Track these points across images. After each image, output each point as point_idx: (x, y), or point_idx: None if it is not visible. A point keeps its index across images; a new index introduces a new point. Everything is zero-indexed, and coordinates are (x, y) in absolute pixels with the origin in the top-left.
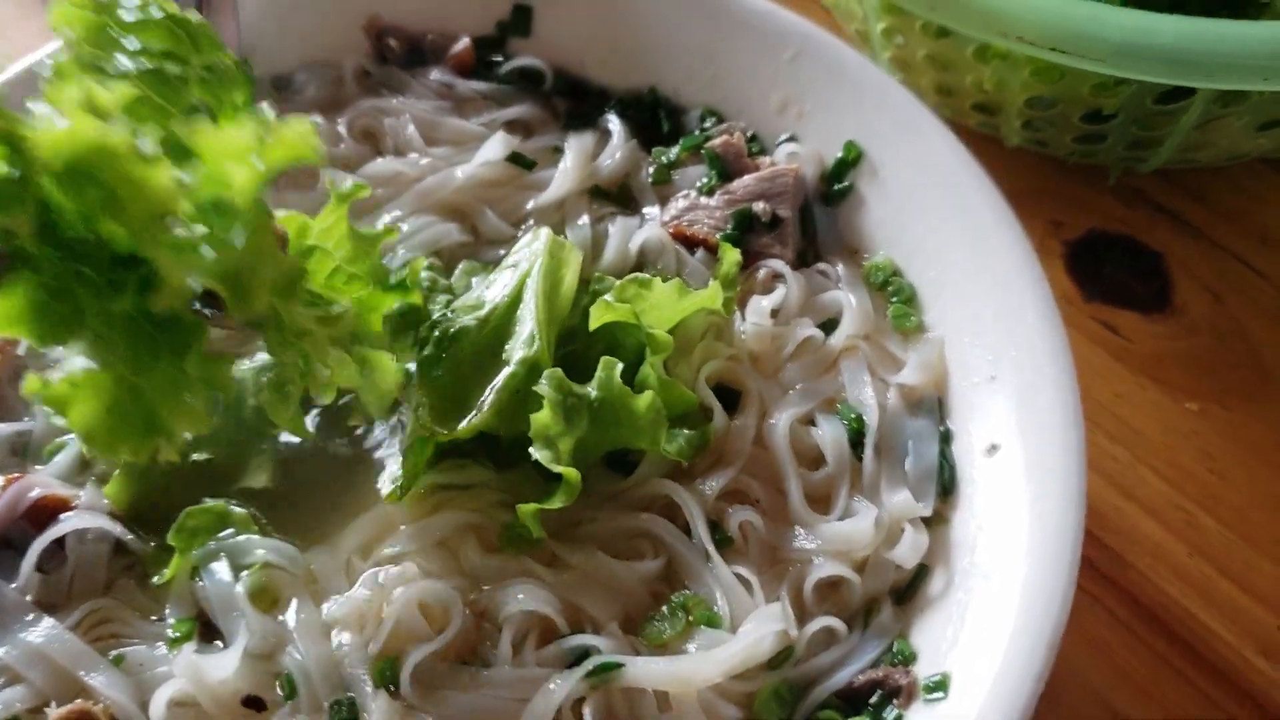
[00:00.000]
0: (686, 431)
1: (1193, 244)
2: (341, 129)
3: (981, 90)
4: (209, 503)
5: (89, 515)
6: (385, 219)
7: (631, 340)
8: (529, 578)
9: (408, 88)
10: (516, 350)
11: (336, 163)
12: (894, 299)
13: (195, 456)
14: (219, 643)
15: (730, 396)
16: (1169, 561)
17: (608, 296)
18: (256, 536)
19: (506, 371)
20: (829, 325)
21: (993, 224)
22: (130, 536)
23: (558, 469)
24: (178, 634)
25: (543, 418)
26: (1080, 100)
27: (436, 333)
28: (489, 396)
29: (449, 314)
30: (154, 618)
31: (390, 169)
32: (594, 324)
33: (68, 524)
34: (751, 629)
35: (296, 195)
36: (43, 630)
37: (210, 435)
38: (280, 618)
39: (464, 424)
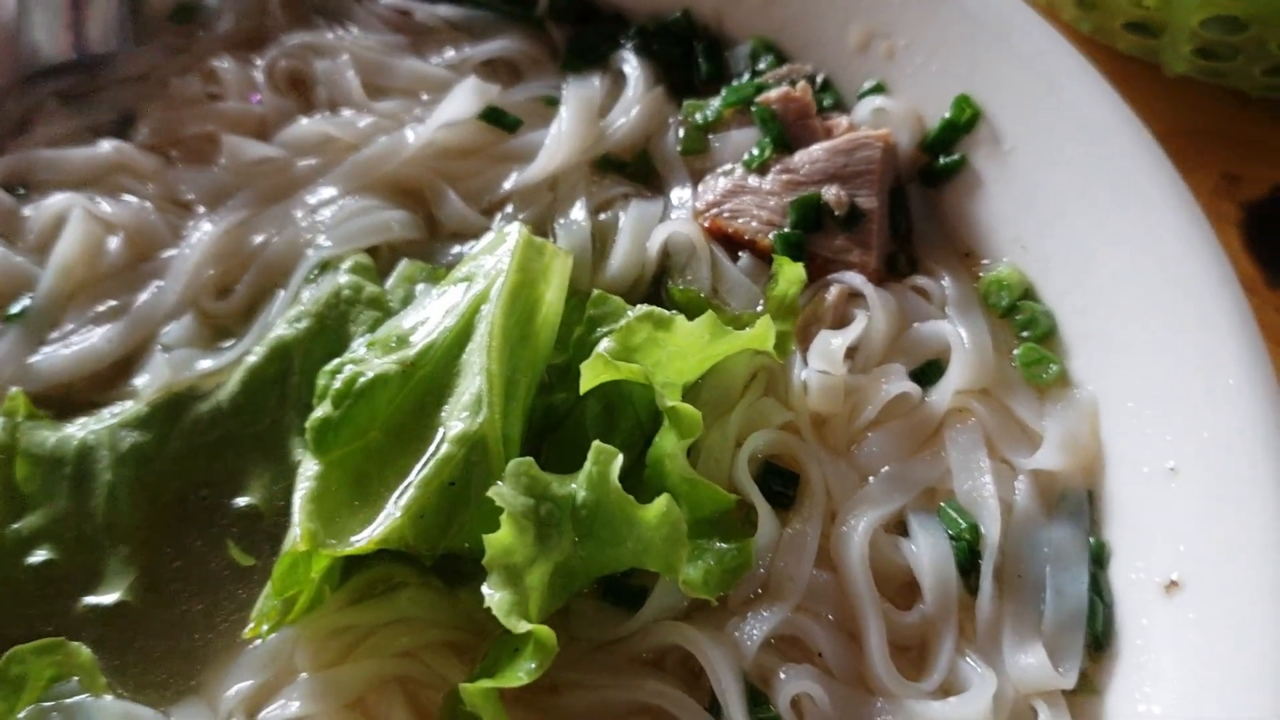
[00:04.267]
0: (718, 546)
1: None
2: (258, 75)
3: (1140, 6)
4: (41, 639)
5: None
6: (310, 201)
7: (640, 399)
8: None
9: (350, 16)
10: (454, 419)
11: (249, 123)
12: (1024, 334)
13: (33, 557)
14: None
15: (782, 482)
16: None
17: (605, 346)
18: (106, 698)
19: (436, 454)
20: (929, 372)
21: (1171, 233)
22: None
23: (522, 627)
24: None
25: (501, 539)
26: None
27: (339, 381)
28: (406, 492)
29: (364, 351)
30: None
31: (318, 131)
32: (585, 386)
33: None
34: None
35: (194, 172)
36: None
37: (51, 527)
38: None
39: (365, 534)
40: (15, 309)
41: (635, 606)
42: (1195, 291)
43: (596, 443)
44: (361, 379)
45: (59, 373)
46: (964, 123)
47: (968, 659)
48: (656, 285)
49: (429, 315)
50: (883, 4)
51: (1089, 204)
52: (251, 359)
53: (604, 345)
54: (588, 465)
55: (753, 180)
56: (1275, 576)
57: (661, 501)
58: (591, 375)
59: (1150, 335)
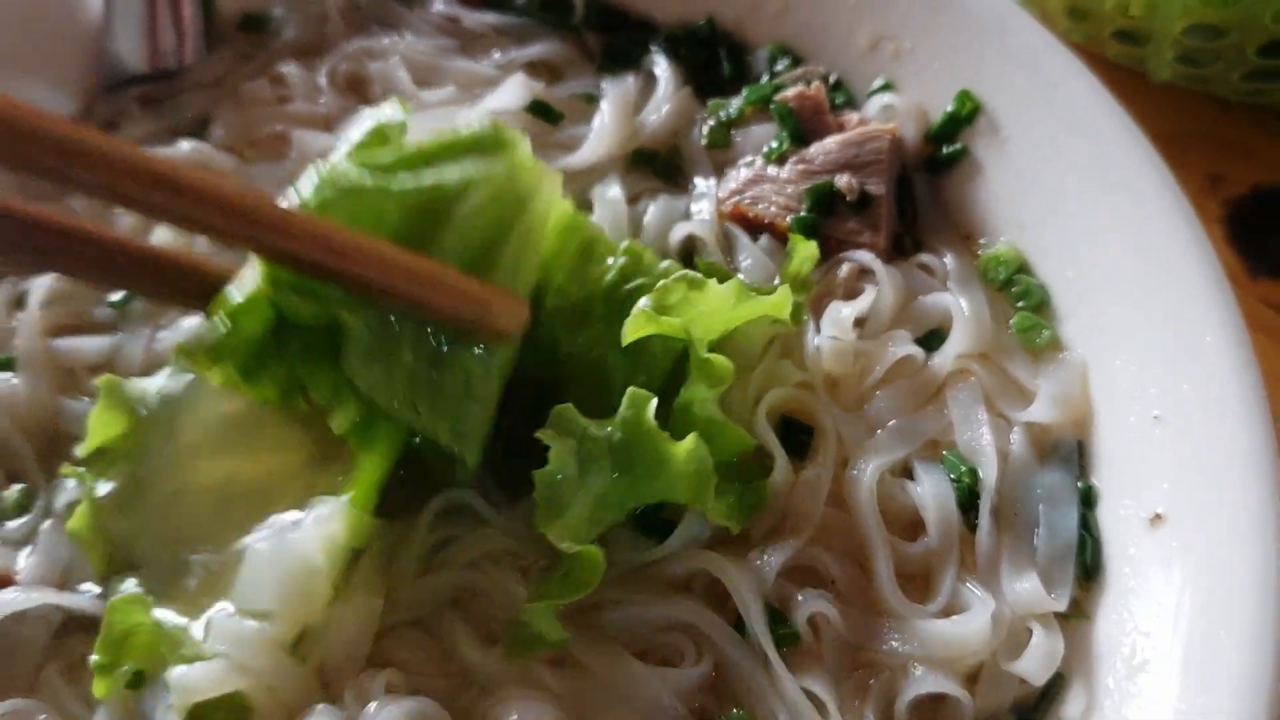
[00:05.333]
0: (739, 485)
1: None
2: (322, 80)
3: (1126, 16)
4: (131, 591)
5: (36, 593)
6: None
7: (661, 349)
8: (532, 689)
9: (403, 23)
10: None
11: (315, 122)
12: (1020, 304)
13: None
14: None
15: (799, 435)
16: None
17: (646, 303)
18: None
19: None
20: (932, 339)
21: (1156, 211)
22: (81, 609)
23: (572, 548)
24: None
25: (548, 473)
26: (1259, 29)
27: None
28: None
29: None
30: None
31: None
32: (630, 337)
33: (5, 606)
34: None
35: (267, 167)
36: None
37: None
38: None
39: None
40: (115, 297)
41: (665, 533)
42: (1176, 262)
43: (632, 389)
44: None
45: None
46: (965, 115)
47: (968, 585)
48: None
49: None
50: (890, 9)
51: (1080, 187)
52: None
53: (645, 302)
54: (623, 409)
55: (771, 170)
56: (1252, 506)
57: (691, 439)
58: (634, 329)
59: (1135, 303)
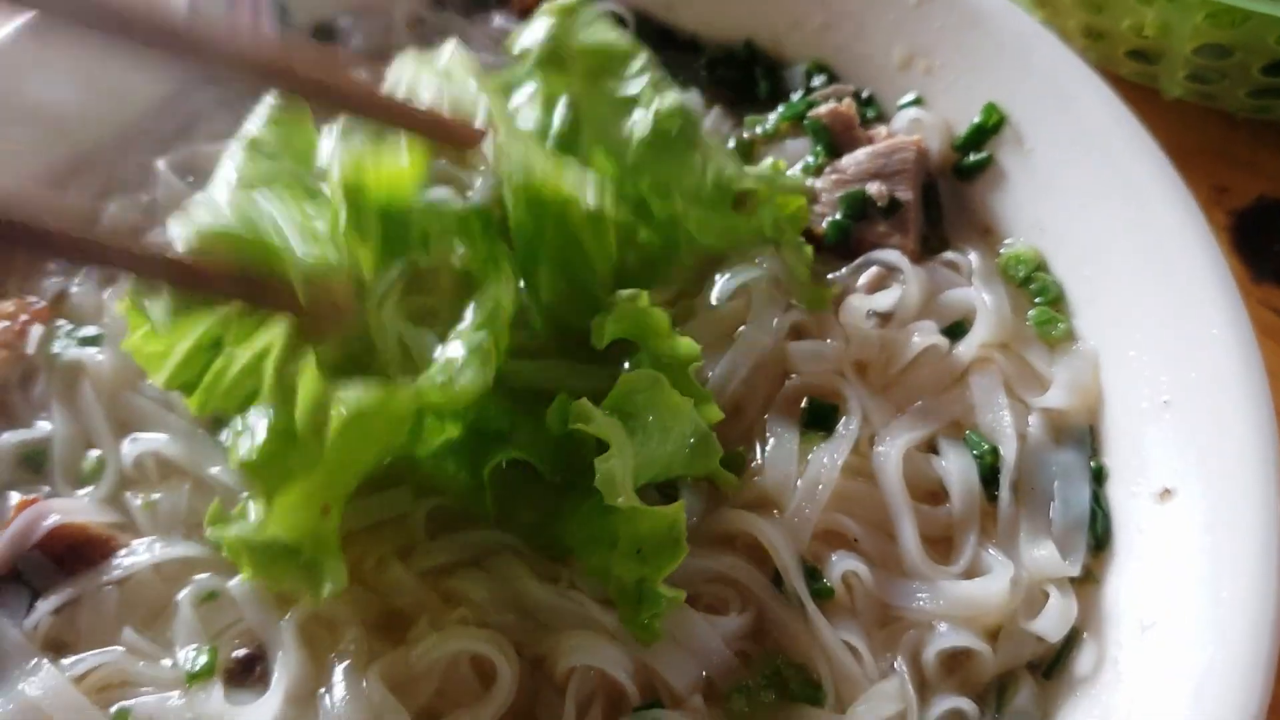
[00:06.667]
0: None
1: None
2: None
3: (1140, 36)
4: None
5: (144, 554)
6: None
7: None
8: (593, 629)
9: (464, 36)
10: None
11: None
12: (1038, 299)
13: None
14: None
15: (825, 412)
16: None
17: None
18: None
19: None
20: (957, 330)
21: (1167, 214)
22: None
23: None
24: (197, 669)
25: (604, 459)
26: (1263, 49)
27: None
28: None
29: None
30: (165, 661)
31: None
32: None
33: (122, 567)
34: (864, 711)
35: None
36: (42, 681)
37: None
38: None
39: None
40: None
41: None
42: (1184, 261)
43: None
44: None
45: None
46: (991, 126)
47: (989, 550)
48: None
49: None
50: (923, 29)
51: (1096, 193)
52: None
53: None
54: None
55: (808, 181)
56: (1254, 480)
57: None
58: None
59: (1145, 298)
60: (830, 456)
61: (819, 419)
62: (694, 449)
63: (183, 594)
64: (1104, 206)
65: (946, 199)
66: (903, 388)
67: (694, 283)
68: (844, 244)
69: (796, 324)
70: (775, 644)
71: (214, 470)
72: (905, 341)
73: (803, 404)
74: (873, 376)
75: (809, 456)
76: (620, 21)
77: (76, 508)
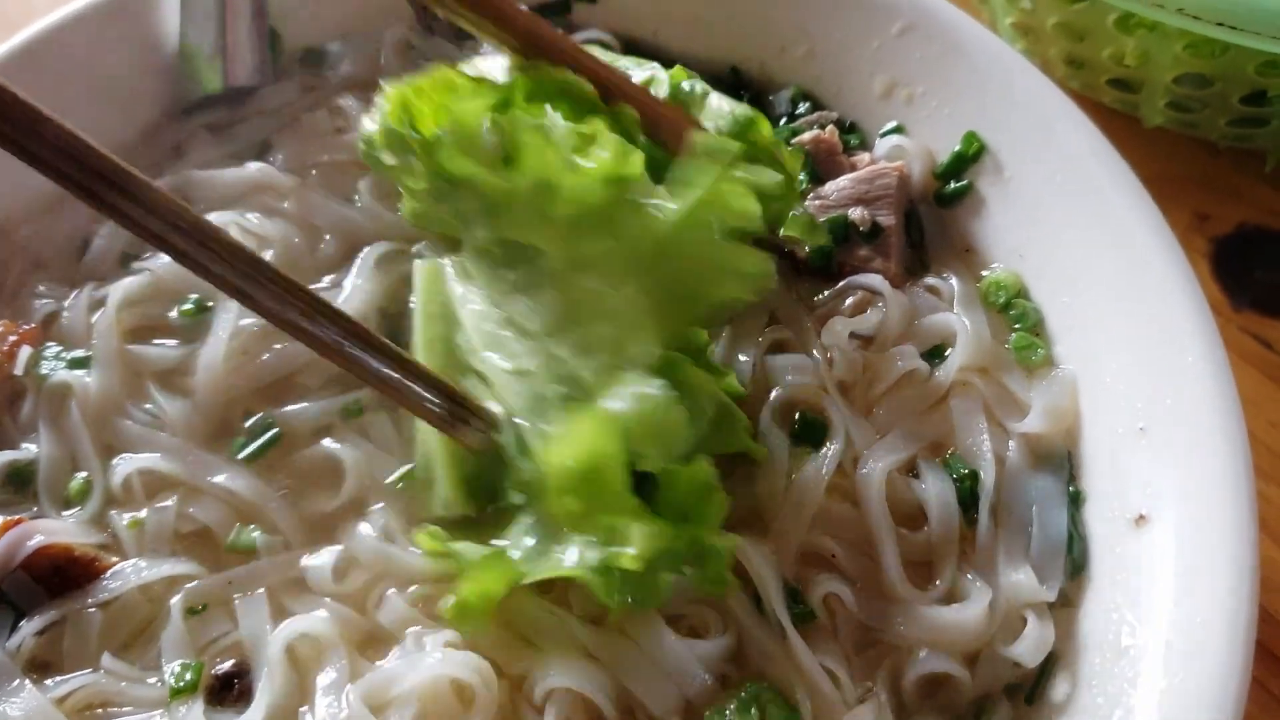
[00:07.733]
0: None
1: None
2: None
3: (1121, 65)
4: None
5: (131, 575)
6: None
7: None
8: (571, 648)
9: (453, 61)
10: None
11: None
12: (1017, 325)
13: None
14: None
15: (811, 428)
16: None
17: None
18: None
19: None
20: (937, 355)
21: (1144, 242)
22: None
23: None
24: (181, 685)
25: None
26: (1243, 80)
27: None
28: None
29: None
30: (150, 679)
31: None
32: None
33: (108, 590)
34: None
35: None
36: (24, 702)
37: None
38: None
39: None
40: (187, 305)
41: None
42: (1161, 289)
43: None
44: None
45: None
46: (971, 154)
47: (967, 576)
48: None
49: None
50: (906, 58)
51: (1076, 222)
52: None
53: None
54: None
55: None
56: (1228, 506)
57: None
58: None
59: (1123, 326)
60: (816, 475)
61: (809, 434)
62: (718, 424)
63: (174, 600)
64: (1083, 235)
65: (928, 225)
66: (884, 410)
67: None
68: (827, 268)
69: (778, 340)
70: (755, 667)
71: (218, 479)
72: (889, 365)
73: (795, 417)
74: (855, 398)
75: (794, 476)
76: (606, 47)
77: (62, 529)
